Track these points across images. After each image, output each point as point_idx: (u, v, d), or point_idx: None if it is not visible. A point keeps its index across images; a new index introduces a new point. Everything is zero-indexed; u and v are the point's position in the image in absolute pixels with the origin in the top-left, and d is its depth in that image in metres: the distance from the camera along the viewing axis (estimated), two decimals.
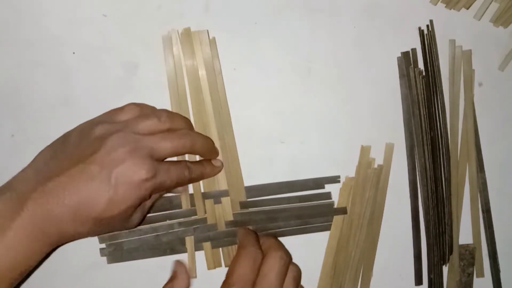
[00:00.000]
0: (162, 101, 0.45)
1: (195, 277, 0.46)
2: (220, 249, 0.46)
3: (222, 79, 0.45)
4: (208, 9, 0.46)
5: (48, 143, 0.46)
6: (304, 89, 0.47)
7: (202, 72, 0.45)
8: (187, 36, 0.45)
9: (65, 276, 0.45)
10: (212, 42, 0.45)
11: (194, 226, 0.46)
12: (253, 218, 0.46)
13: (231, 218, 0.46)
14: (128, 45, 0.46)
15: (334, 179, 0.47)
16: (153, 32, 0.45)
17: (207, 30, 0.45)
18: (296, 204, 0.47)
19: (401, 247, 0.48)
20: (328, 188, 0.47)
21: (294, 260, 0.47)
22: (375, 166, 0.48)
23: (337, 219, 0.47)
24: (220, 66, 0.45)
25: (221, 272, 0.45)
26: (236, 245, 0.46)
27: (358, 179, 0.47)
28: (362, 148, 0.47)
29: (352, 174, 0.47)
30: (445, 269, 0.49)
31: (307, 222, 0.47)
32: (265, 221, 0.46)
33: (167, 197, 0.46)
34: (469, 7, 0.47)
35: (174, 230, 0.45)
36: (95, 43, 0.45)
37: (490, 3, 0.47)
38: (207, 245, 0.46)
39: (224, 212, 0.46)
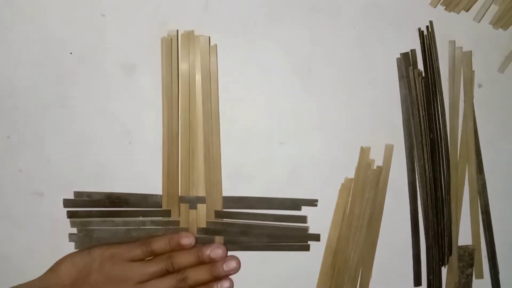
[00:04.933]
0: (159, 103, 0.45)
1: None
2: None
3: (217, 88, 0.45)
4: (208, 9, 0.45)
5: (45, 145, 0.45)
6: (304, 89, 0.47)
7: (197, 78, 0.44)
8: (188, 39, 0.44)
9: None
10: (213, 49, 0.44)
11: (166, 227, 0.46)
12: (226, 229, 0.46)
13: (204, 225, 0.46)
14: (126, 46, 0.45)
15: (312, 202, 0.47)
16: (152, 32, 0.45)
17: (209, 37, 0.44)
18: (271, 223, 0.47)
19: (400, 248, 0.48)
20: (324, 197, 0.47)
21: (292, 260, 0.47)
22: (375, 167, 0.48)
23: (336, 220, 0.47)
24: (217, 74, 0.45)
25: None
26: None
27: (357, 180, 0.47)
28: (362, 149, 0.47)
29: (351, 175, 0.47)
30: (444, 270, 0.49)
31: (279, 241, 0.47)
32: (237, 234, 0.46)
33: (143, 194, 0.46)
34: (468, 9, 0.47)
35: (146, 227, 0.46)
36: (93, 43, 0.45)
37: (490, 6, 0.47)
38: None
39: (198, 218, 0.46)
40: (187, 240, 0.44)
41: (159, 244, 0.44)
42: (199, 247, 0.45)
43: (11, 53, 0.44)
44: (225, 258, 0.45)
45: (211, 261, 0.44)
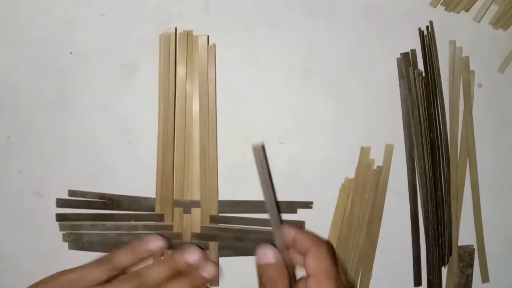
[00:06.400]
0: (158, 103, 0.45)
1: None
2: None
3: (215, 89, 0.45)
4: (207, 9, 0.45)
5: (45, 144, 0.45)
6: (304, 90, 0.47)
7: (195, 78, 0.44)
8: (185, 38, 0.44)
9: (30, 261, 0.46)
10: (211, 49, 0.44)
11: (158, 232, 0.45)
12: (221, 235, 0.45)
13: (198, 230, 0.45)
14: (126, 46, 0.45)
15: (307, 205, 0.47)
16: (151, 32, 0.45)
17: (208, 36, 0.44)
18: (267, 228, 0.46)
19: (400, 248, 0.48)
20: (321, 194, 0.47)
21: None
22: (375, 167, 0.48)
23: (336, 220, 0.47)
24: (215, 74, 0.45)
25: None
26: None
27: (357, 180, 0.47)
28: (362, 149, 0.47)
29: (351, 175, 0.47)
30: (444, 270, 0.49)
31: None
32: (233, 240, 0.46)
33: (135, 197, 0.45)
34: (468, 9, 0.47)
35: (138, 231, 0.45)
36: (92, 43, 0.45)
37: (490, 6, 0.47)
38: (167, 253, 0.45)
39: (192, 223, 0.45)
40: (155, 243, 0.37)
41: (123, 257, 0.37)
42: (172, 255, 0.39)
43: (11, 53, 0.44)
44: (203, 262, 0.39)
45: (188, 268, 0.38)
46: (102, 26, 0.45)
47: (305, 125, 0.47)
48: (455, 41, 0.48)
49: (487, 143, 0.49)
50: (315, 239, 0.36)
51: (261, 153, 0.36)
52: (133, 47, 0.45)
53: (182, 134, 0.44)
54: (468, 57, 0.48)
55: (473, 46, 0.48)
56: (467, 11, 0.47)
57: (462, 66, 0.48)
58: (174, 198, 0.45)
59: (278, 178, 0.47)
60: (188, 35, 0.44)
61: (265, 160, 0.38)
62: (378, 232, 0.48)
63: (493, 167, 0.49)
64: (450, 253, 0.48)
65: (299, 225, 0.47)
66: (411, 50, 0.47)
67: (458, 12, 0.47)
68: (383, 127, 0.48)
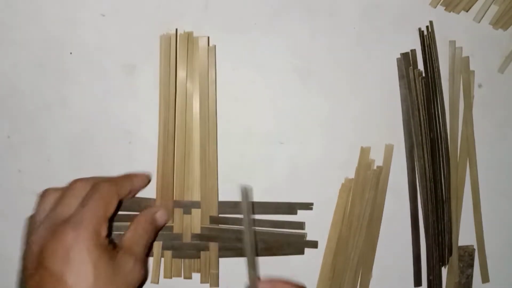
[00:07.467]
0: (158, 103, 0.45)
1: (157, 283, 0.46)
2: (182, 260, 0.46)
3: (215, 89, 0.44)
4: (207, 9, 0.45)
5: (45, 144, 0.45)
6: (304, 90, 0.47)
7: (195, 80, 0.44)
8: (185, 39, 0.44)
9: None
10: (211, 50, 0.44)
11: (159, 233, 0.44)
12: (221, 236, 0.45)
13: (198, 231, 0.45)
14: (126, 46, 0.45)
15: (307, 206, 0.47)
16: (151, 32, 0.45)
17: (208, 37, 0.44)
18: (267, 229, 0.46)
19: (400, 248, 0.48)
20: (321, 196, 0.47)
21: (291, 262, 0.47)
22: (375, 167, 0.48)
23: (336, 220, 0.47)
24: (215, 75, 0.45)
25: (182, 282, 0.46)
26: (199, 259, 0.46)
27: (357, 180, 0.47)
28: (362, 149, 0.47)
29: (351, 175, 0.47)
30: (444, 270, 0.49)
31: (275, 248, 0.46)
32: (233, 241, 0.45)
33: (135, 198, 0.45)
34: (468, 9, 0.47)
35: None
36: (92, 44, 0.45)
37: (490, 6, 0.47)
38: (167, 253, 0.45)
39: (192, 224, 0.45)
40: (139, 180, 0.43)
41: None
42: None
43: (11, 53, 0.44)
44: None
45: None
46: (102, 26, 0.45)
47: (305, 125, 0.47)
48: (455, 41, 0.48)
49: (487, 143, 0.49)
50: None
51: (247, 194, 0.41)
52: (133, 47, 0.45)
53: (183, 135, 0.44)
54: (468, 57, 0.48)
55: (473, 46, 0.48)
56: (467, 11, 0.47)
57: (462, 66, 0.48)
58: (174, 199, 0.45)
59: (278, 178, 0.47)
60: (189, 36, 0.44)
61: (251, 202, 0.43)
62: (378, 232, 0.48)
63: (493, 167, 0.49)
64: (450, 253, 0.48)
65: (299, 226, 0.47)
66: (411, 50, 0.47)
67: (458, 12, 0.47)
68: (383, 127, 0.48)
